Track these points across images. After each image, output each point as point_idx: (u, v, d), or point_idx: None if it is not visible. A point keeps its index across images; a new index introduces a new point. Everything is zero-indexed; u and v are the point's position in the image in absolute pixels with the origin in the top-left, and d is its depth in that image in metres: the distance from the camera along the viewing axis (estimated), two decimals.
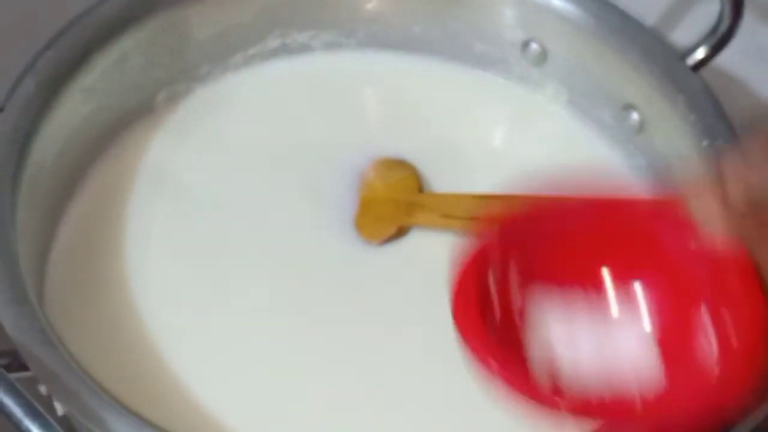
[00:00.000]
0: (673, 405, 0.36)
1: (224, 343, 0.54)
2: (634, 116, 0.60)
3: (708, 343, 0.37)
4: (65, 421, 0.49)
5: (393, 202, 0.59)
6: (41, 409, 0.48)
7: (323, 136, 0.62)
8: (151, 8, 0.60)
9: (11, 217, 0.53)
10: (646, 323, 0.40)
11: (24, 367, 0.49)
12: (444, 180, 0.60)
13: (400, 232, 0.59)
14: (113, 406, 0.47)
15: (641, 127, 0.60)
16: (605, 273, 0.42)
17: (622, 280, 0.41)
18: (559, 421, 0.37)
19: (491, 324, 0.41)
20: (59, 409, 0.49)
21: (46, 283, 0.56)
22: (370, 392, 0.53)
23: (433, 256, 0.58)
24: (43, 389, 0.49)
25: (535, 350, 0.41)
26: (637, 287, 0.41)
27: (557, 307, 0.42)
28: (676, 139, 0.58)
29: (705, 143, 0.56)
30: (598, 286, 0.41)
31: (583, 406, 0.38)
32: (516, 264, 0.42)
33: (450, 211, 0.58)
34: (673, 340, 0.38)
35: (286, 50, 0.65)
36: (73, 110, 0.58)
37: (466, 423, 0.52)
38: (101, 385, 0.48)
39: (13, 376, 0.49)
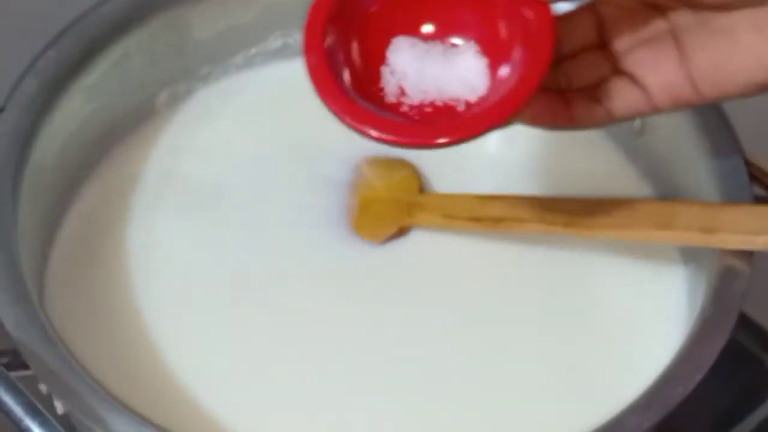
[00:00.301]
0: (490, 104, 0.45)
1: (224, 343, 0.54)
2: (636, 120, 0.60)
3: (512, 59, 0.46)
4: (65, 420, 0.49)
5: (393, 202, 0.59)
6: (41, 408, 0.48)
7: (325, 136, 0.62)
8: (153, 8, 0.60)
9: (12, 216, 0.53)
10: (471, 45, 0.47)
11: (24, 366, 0.49)
12: (444, 180, 0.60)
13: (401, 232, 0.59)
14: (113, 404, 0.47)
15: (642, 129, 0.60)
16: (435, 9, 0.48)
17: (450, 11, 0.48)
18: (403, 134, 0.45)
19: (341, 65, 0.47)
20: (59, 407, 0.49)
21: (47, 283, 0.56)
22: (370, 391, 0.53)
23: (434, 257, 0.58)
24: (43, 388, 0.49)
25: (386, 82, 0.47)
26: (462, 19, 0.48)
27: (400, 39, 0.47)
28: (676, 140, 0.58)
29: (706, 144, 0.56)
30: (429, 21, 0.48)
31: (423, 114, 0.46)
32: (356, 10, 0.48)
33: (451, 211, 0.58)
34: (491, 56, 0.47)
35: (287, 50, 0.65)
36: (75, 110, 0.58)
37: (467, 419, 0.52)
38: (101, 383, 0.48)
39: (13, 374, 0.49)
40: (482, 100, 0.46)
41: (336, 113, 0.46)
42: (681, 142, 0.57)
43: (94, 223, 0.58)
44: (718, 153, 0.55)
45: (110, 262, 0.57)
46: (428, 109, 0.47)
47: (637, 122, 0.60)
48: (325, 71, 0.46)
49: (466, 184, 0.60)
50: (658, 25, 0.46)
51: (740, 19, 0.44)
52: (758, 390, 0.62)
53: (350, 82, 0.47)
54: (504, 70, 0.46)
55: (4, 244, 0.51)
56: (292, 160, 0.61)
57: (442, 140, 0.45)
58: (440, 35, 0.48)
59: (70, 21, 0.58)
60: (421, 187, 0.60)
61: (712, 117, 0.56)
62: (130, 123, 0.62)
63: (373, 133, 0.45)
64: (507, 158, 0.62)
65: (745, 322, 0.62)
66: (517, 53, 0.46)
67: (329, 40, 0.47)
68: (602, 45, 0.48)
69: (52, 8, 0.59)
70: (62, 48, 0.57)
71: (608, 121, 0.48)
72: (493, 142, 0.62)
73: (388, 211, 0.59)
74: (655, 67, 0.46)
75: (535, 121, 0.48)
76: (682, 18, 0.46)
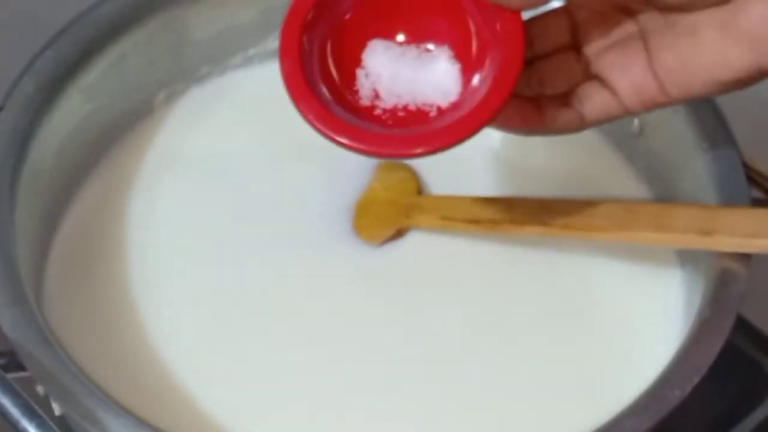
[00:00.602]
0: (464, 113, 0.45)
1: (223, 344, 0.54)
2: (635, 121, 0.60)
3: (484, 67, 0.46)
4: (62, 421, 0.49)
5: (392, 203, 0.59)
6: (38, 409, 0.48)
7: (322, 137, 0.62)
8: (151, 9, 0.60)
9: (10, 217, 0.53)
10: (445, 49, 0.48)
11: (21, 367, 0.49)
12: (443, 182, 0.60)
13: (399, 234, 0.59)
14: (110, 406, 0.47)
15: (641, 130, 0.60)
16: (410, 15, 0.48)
17: (424, 20, 0.49)
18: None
19: (317, 70, 0.48)
20: (56, 409, 0.49)
21: (45, 284, 0.56)
22: (370, 391, 0.53)
23: (432, 258, 0.58)
24: (40, 389, 0.49)
25: (361, 85, 0.48)
26: (435, 26, 0.48)
27: (376, 42, 0.48)
28: (675, 143, 0.58)
29: (704, 146, 0.56)
30: (404, 26, 0.49)
31: (396, 119, 0.47)
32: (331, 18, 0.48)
33: (449, 212, 0.58)
34: (464, 62, 0.47)
35: None
36: (73, 110, 0.58)
37: (467, 419, 0.52)
38: (98, 385, 0.48)
39: (10, 376, 0.49)
40: (454, 105, 0.46)
41: (309, 121, 0.46)
42: (679, 144, 0.57)
43: (93, 223, 0.58)
44: (716, 155, 0.56)
45: (109, 262, 0.57)
46: (401, 114, 0.47)
47: (636, 124, 0.60)
48: (300, 78, 0.46)
49: (464, 186, 0.59)
50: (628, 28, 0.47)
51: (704, 19, 0.45)
52: (756, 392, 0.62)
53: (325, 87, 0.47)
54: (476, 78, 0.46)
55: (1, 245, 0.51)
56: (291, 159, 0.61)
57: (416, 150, 0.45)
58: (414, 40, 0.48)
59: (69, 21, 0.58)
60: (420, 189, 0.60)
61: (711, 119, 0.57)
62: (128, 123, 0.62)
63: (345, 141, 0.45)
64: (505, 160, 0.62)
65: (742, 324, 0.62)
66: (488, 61, 0.46)
67: (305, 45, 0.47)
68: (576, 47, 0.49)
69: (51, 8, 0.59)
70: (60, 48, 0.57)
71: (581, 125, 0.49)
72: (492, 144, 0.62)
73: (387, 213, 0.59)
74: (624, 70, 0.47)
75: (508, 127, 0.48)
76: (651, 20, 0.47)
